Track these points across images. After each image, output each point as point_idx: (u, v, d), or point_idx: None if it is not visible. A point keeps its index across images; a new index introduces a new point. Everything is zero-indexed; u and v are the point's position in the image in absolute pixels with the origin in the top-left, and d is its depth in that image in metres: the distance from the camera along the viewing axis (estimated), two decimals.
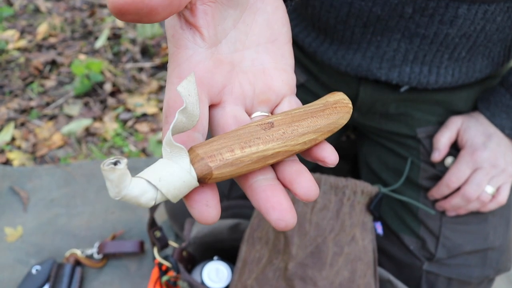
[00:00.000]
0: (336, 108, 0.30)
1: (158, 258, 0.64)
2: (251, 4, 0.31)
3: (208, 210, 0.26)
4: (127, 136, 1.14)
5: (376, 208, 0.62)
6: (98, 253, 0.86)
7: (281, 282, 0.57)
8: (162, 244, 0.66)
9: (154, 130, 1.16)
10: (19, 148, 1.09)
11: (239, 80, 0.30)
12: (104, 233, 0.92)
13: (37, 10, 1.56)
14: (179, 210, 0.81)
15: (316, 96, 0.73)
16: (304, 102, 0.78)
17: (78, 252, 0.87)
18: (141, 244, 0.87)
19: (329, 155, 0.29)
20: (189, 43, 0.29)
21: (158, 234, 0.66)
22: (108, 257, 0.88)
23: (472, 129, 0.65)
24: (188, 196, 0.26)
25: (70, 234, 0.92)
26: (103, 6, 1.63)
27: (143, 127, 1.16)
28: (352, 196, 0.60)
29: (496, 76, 0.69)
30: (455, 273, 0.68)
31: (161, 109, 1.22)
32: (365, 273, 0.59)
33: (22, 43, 1.38)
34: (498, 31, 0.57)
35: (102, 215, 0.95)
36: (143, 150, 1.11)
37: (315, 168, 0.78)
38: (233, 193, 0.78)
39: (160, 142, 1.12)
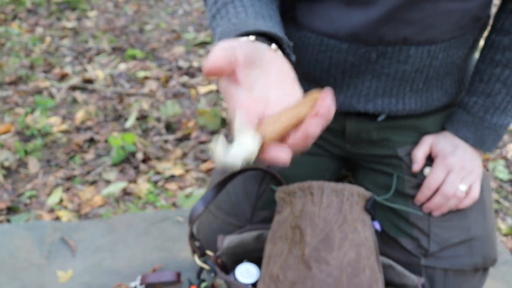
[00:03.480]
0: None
1: (199, 262, 0.78)
2: (266, 63, 0.51)
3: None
4: (158, 193, 1.31)
5: (372, 208, 0.77)
6: (141, 284, 0.99)
7: (301, 265, 0.70)
8: (201, 252, 0.81)
9: (181, 188, 1.33)
10: (66, 208, 1.26)
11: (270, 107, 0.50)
12: (145, 270, 1.06)
13: (74, 101, 1.82)
14: (211, 237, 0.95)
15: None
16: None
17: (123, 285, 1.00)
18: (178, 275, 1.00)
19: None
20: (234, 89, 0.49)
21: (197, 243, 0.81)
22: None
23: (442, 142, 0.82)
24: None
25: (115, 273, 1.06)
26: (130, 94, 1.89)
27: (172, 186, 1.33)
28: (350, 197, 0.76)
29: (456, 104, 0.87)
30: (449, 264, 0.81)
31: (186, 171, 1.40)
32: (369, 257, 0.72)
33: (64, 126, 1.61)
34: (442, 66, 0.76)
35: (142, 256, 1.09)
36: (173, 204, 1.27)
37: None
38: (254, 218, 0.93)
39: (187, 196, 1.29)
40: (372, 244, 0.75)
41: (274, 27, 0.61)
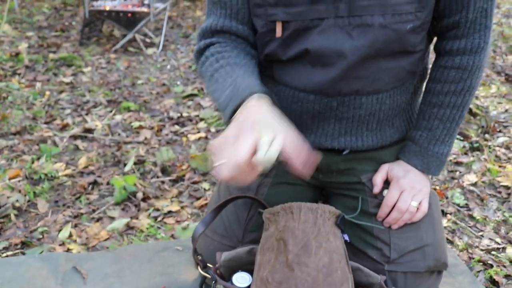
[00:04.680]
0: None
1: (202, 272, 0.94)
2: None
3: None
4: (158, 227, 1.47)
5: (341, 223, 0.95)
6: None
7: (285, 269, 0.87)
8: (203, 264, 0.97)
9: (178, 222, 1.49)
10: (75, 241, 1.41)
11: None
12: None
13: (76, 148, 1.99)
14: (210, 258, 1.11)
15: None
16: (284, 172, 1.12)
17: None
18: None
19: None
20: None
21: (199, 257, 0.97)
22: None
23: (396, 168, 1.02)
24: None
25: None
26: (126, 142, 2.07)
27: (170, 220, 1.50)
28: (323, 214, 0.94)
29: (406, 138, 1.08)
30: (407, 267, 0.98)
31: (182, 207, 1.57)
32: (340, 261, 0.90)
33: (68, 171, 1.77)
34: (391, 109, 0.97)
35: (147, 280, 1.24)
36: (172, 236, 1.43)
37: None
38: (245, 239, 1.10)
39: (184, 228, 1.45)
40: (342, 251, 0.92)
41: (262, 85, 0.82)
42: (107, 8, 3.55)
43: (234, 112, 0.76)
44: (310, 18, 0.84)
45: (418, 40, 0.88)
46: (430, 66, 1.03)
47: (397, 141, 1.07)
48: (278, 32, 0.87)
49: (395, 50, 0.86)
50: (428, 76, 1.03)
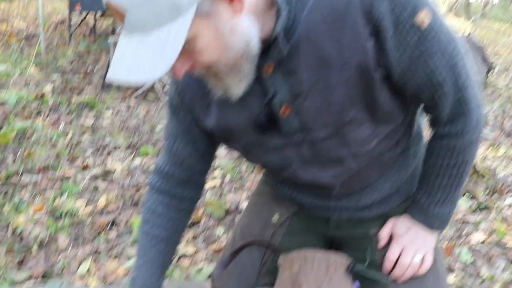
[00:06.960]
0: None
1: None
2: None
3: None
4: (174, 268, 1.52)
5: (351, 270, 1.01)
6: None
7: None
8: None
9: (193, 264, 1.55)
10: (94, 275, 1.47)
11: None
12: None
13: (96, 188, 2.08)
14: None
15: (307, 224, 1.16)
16: (297, 223, 1.17)
17: None
18: None
19: None
20: None
21: None
22: None
23: (399, 225, 1.07)
24: None
25: None
26: (145, 185, 2.16)
27: (185, 262, 1.55)
28: (334, 262, 1.00)
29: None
30: None
31: (196, 251, 1.63)
32: None
33: (88, 209, 1.85)
34: (392, 186, 1.03)
35: None
36: (186, 277, 1.49)
37: None
38: (259, 282, 1.15)
39: (198, 270, 1.50)
40: None
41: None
42: None
43: None
44: (282, 163, 0.94)
45: (391, 139, 0.96)
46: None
47: (405, 199, 1.12)
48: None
49: (372, 157, 0.95)
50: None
